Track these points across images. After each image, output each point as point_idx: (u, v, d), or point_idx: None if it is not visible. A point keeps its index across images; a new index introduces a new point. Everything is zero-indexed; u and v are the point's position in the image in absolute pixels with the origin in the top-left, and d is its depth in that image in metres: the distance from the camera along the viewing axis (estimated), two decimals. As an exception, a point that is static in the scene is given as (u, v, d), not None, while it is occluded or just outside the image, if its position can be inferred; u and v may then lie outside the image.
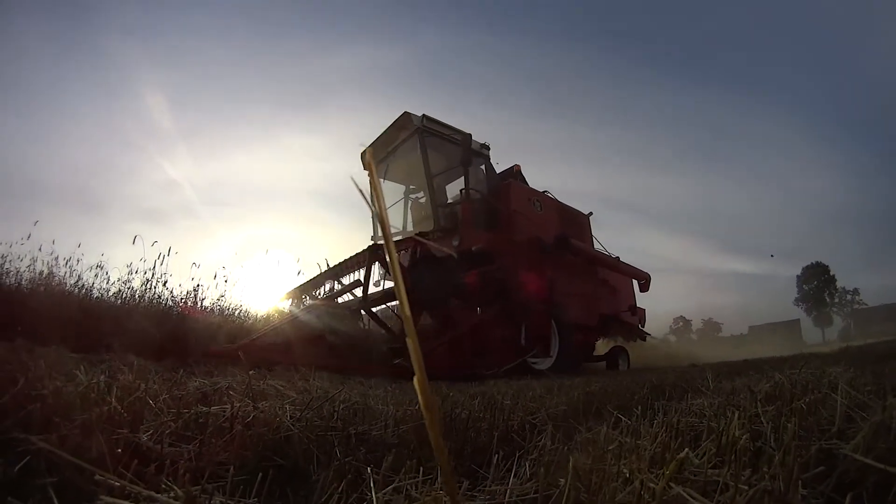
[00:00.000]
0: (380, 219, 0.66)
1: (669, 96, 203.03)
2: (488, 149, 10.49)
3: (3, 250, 7.13)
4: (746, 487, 1.06)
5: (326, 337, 6.58)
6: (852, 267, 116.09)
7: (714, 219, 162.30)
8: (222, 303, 8.52)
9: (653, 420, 1.99)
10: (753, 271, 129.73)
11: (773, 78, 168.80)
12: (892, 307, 65.14)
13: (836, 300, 79.23)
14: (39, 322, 5.01)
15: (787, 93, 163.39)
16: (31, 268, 7.08)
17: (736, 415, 1.56)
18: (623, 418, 2.06)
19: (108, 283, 7.43)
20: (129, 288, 7.42)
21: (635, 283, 14.08)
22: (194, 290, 8.01)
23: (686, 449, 1.20)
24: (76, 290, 7.14)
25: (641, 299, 13.99)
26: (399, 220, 10.97)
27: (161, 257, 7.63)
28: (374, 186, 0.72)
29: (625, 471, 1.22)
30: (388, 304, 7.63)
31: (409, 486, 1.27)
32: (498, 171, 10.93)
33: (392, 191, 11.00)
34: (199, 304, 8.00)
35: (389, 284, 7.96)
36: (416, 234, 8.65)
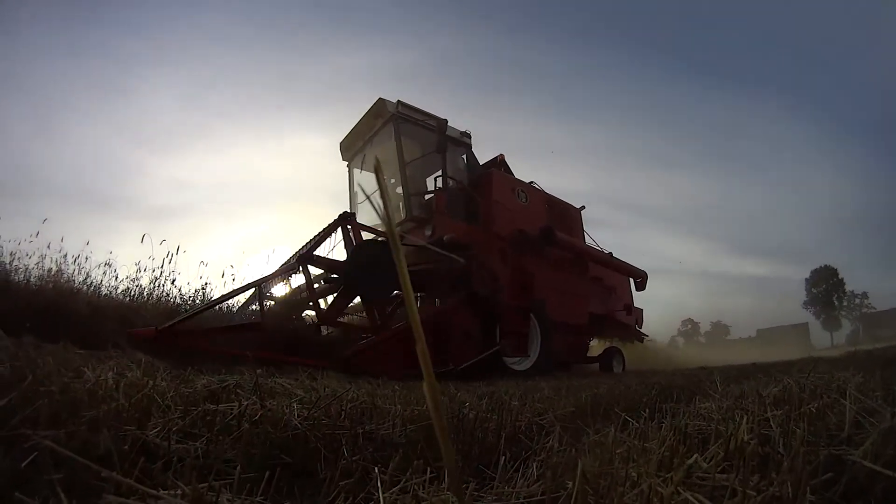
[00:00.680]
0: (388, 226, 0.64)
1: (681, 96, 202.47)
2: (469, 137, 10.21)
3: (11, 247, 7.15)
4: (755, 493, 1.05)
5: (262, 324, 6.04)
6: (861, 270, 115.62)
7: (724, 221, 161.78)
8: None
9: (661, 423, 1.98)
10: (763, 274, 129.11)
11: (786, 78, 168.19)
12: (901, 311, 64.81)
13: (845, 304, 78.95)
14: (48, 319, 5.02)
15: (799, 94, 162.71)
16: (40, 265, 7.10)
17: (744, 419, 1.55)
18: (631, 420, 2.05)
19: (116, 280, 7.44)
20: (137, 286, 7.43)
21: (632, 282, 13.75)
22: (202, 288, 7.99)
23: (695, 455, 1.19)
24: (85, 287, 7.15)
25: (640, 299, 13.75)
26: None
27: (169, 255, 7.64)
28: (382, 192, 0.66)
29: (633, 474, 1.21)
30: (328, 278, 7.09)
31: (416, 487, 1.27)
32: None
33: (371, 181, 10.43)
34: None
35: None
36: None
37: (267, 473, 1.24)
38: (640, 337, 14.43)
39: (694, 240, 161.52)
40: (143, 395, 1.74)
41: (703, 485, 1.14)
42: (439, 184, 9.40)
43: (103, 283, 7.40)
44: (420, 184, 9.73)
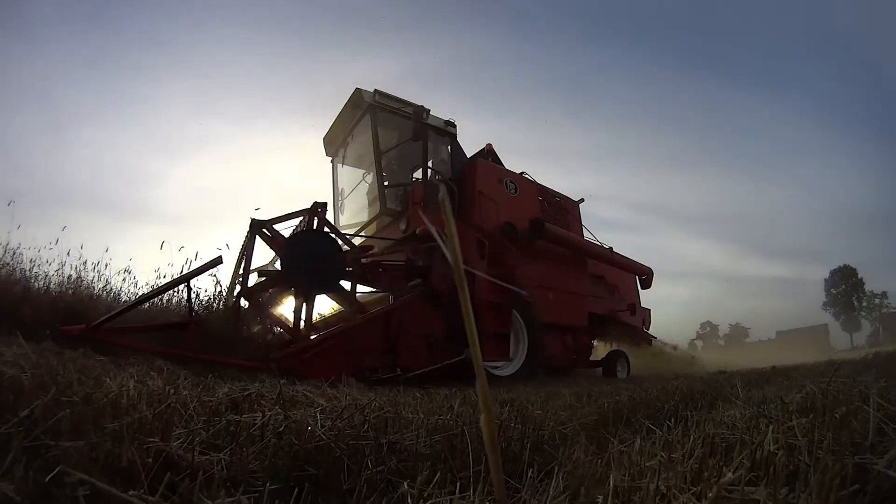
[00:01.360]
0: (453, 257, 0.58)
1: (697, 97, 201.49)
2: (454, 126, 9.55)
3: (31, 255, 7.21)
4: (784, 508, 1.03)
5: (195, 323, 5.81)
6: (881, 270, 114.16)
7: (742, 221, 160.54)
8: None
9: (685, 432, 1.96)
10: (781, 275, 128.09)
11: (804, 76, 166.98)
12: (922, 311, 64.17)
13: (865, 304, 78.06)
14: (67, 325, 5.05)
15: (816, 93, 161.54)
16: (60, 272, 7.16)
17: (770, 429, 1.52)
18: (655, 429, 2.03)
19: (135, 286, 7.48)
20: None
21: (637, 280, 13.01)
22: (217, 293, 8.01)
23: (728, 474, 1.16)
24: (104, 294, 7.20)
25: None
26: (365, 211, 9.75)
27: (188, 262, 7.66)
28: (447, 220, 0.60)
29: (662, 487, 1.19)
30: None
31: (444, 501, 1.25)
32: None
33: (353, 176, 10.16)
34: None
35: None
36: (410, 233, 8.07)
37: (296, 490, 1.22)
38: (649, 339, 13.63)
39: (711, 241, 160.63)
40: (165, 405, 1.73)
41: (730, 497, 1.11)
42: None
43: (123, 289, 7.46)
44: (403, 176, 9.19)
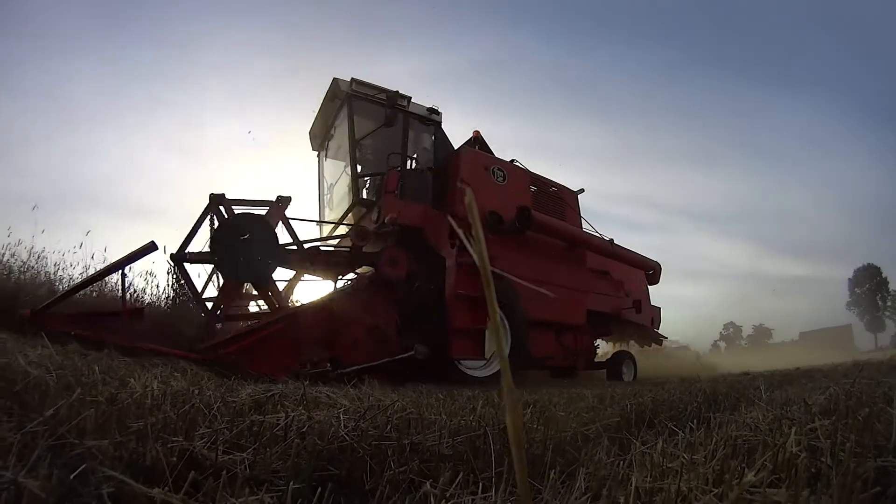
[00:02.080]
0: (480, 260, 0.57)
1: (717, 94, 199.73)
2: (438, 114, 9.07)
3: (56, 258, 7.31)
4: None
5: (145, 311, 5.84)
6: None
7: (764, 220, 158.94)
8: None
9: (707, 433, 1.95)
10: (805, 274, 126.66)
11: (824, 71, 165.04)
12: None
13: (889, 304, 76.95)
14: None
15: (839, 87, 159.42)
16: (84, 275, 7.24)
17: (793, 430, 1.51)
18: (678, 430, 2.02)
19: (157, 288, 7.54)
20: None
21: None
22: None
23: (750, 475, 1.15)
24: (128, 296, 7.27)
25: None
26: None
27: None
28: (474, 223, 0.57)
29: (684, 489, 1.18)
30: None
31: (467, 502, 1.25)
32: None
33: (337, 169, 9.59)
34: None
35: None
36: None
37: (319, 489, 1.23)
38: (658, 339, 13.18)
39: (734, 241, 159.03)
40: (189, 405, 1.75)
41: (752, 499, 1.10)
42: (409, 165, 8.71)
43: (146, 290, 7.53)
44: (381, 166, 8.62)
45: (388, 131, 8.31)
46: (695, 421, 2.39)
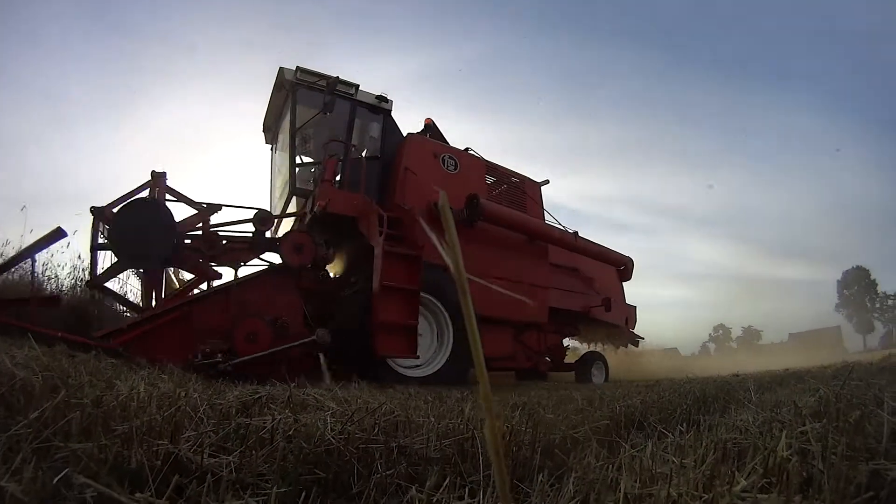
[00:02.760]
0: (455, 265, 0.55)
1: (705, 95, 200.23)
2: (387, 102, 8.61)
3: (44, 258, 7.27)
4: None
5: (62, 299, 5.80)
6: (894, 271, 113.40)
7: (753, 223, 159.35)
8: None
9: (697, 436, 1.95)
10: (794, 276, 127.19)
11: (815, 73, 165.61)
12: (936, 313, 63.74)
13: (878, 305, 77.43)
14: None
15: (828, 90, 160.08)
16: (72, 275, 7.22)
17: (783, 434, 1.51)
18: (667, 433, 2.02)
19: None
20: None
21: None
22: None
23: (742, 481, 1.15)
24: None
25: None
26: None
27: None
28: (447, 226, 0.55)
29: (673, 494, 1.18)
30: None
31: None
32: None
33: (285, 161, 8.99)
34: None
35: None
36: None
37: (303, 493, 1.22)
38: (635, 340, 12.54)
39: (723, 243, 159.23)
40: (175, 408, 1.73)
41: (743, 506, 1.10)
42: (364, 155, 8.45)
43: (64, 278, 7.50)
44: (324, 155, 8.10)
45: (335, 120, 8.08)
46: (684, 423, 2.39)
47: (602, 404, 3.24)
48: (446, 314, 7.39)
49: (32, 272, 5.85)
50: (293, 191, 8.14)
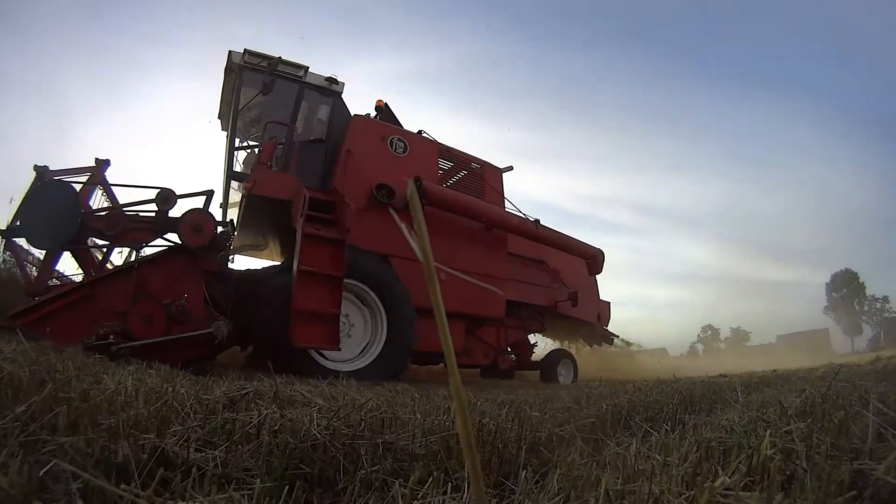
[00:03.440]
0: (423, 254, 0.54)
1: (696, 98, 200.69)
2: (337, 83, 8.19)
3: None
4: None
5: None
6: (882, 274, 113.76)
7: (743, 225, 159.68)
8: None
9: (682, 435, 1.96)
10: (783, 278, 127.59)
11: (804, 78, 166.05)
12: (923, 316, 64.07)
13: (866, 308, 77.76)
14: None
15: (818, 95, 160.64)
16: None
17: (768, 433, 1.52)
18: (653, 432, 2.03)
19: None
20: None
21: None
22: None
23: (722, 478, 1.16)
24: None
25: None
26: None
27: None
28: (415, 215, 0.55)
29: (656, 490, 1.19)
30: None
31: (437, 502, 1.26)
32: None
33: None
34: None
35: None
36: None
37: (286, 486, 1.23)
38: (608, 337, 12.00)
39: (713, 245, 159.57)
40: (162, 402, 1.74)
41: (725, 503, 1.11)
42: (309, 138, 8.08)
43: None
44: (266, 138, 7.91)
45: (283, 103, 7.81)
46: (670, 422, 2.41)
47: (589, 403, 3.25)
48: (380, 304, 7.10)
49: None
50: (230, 175, 8.00)
